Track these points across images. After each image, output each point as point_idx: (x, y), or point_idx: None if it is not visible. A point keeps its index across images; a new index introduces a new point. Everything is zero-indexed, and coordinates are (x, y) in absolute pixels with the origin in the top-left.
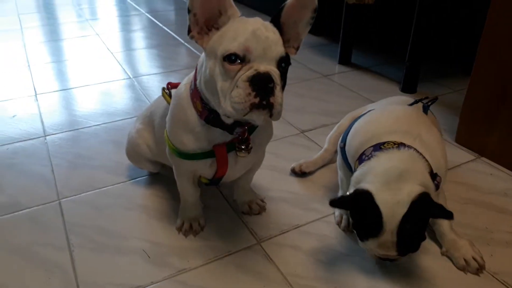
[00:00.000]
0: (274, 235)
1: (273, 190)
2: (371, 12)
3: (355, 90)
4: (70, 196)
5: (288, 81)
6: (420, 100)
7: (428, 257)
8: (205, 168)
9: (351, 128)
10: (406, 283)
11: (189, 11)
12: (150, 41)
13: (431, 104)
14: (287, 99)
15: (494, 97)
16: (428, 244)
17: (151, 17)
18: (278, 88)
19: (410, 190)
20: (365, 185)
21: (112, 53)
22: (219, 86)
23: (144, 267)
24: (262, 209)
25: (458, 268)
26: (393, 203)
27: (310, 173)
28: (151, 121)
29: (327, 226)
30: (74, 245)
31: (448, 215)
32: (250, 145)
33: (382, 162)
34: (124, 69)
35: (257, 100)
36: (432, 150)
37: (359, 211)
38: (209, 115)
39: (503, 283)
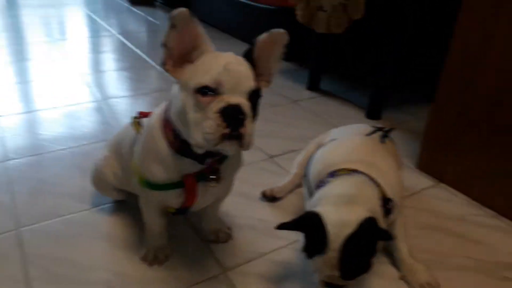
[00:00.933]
0: (240, 263)
1: (241, 217)
2: (339, 40)
3: (323, 116)
4: (30, 225)
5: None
6: (377, 130)
7: (386, 282)
8: (174, 198)
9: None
10: None
11: (164, 45)
12: (121, 63)
13: (387, 134)
14: (257, 124)
15: (454, 125)
16: (387, 268)
17: (122, 38)
18: (248, 120)
19: (358, 214)
20: (317, 208)
21: (80, 74)
22: (191, 117)
23: None
24: (229, 237)
25: None
26: (339, 224)
27: (280, 198)
28: (119, 149)
29: (293, 252)
30: (33, 278)
31: (389, 237)
32: (220, 175)
33: (334, 187)
34: (92, 92)
35: (227, 130)
36: (385, 177)
37: (308, 231)
38: (181, 146)
39: None
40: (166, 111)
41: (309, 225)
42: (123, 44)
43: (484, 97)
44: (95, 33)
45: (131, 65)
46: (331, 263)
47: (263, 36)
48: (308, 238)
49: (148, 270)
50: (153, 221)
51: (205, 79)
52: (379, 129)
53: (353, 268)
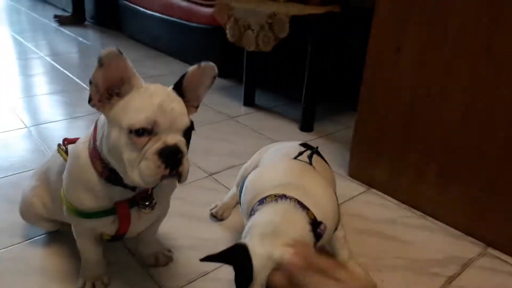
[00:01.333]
0: (181, 285)
1: (182, 238)
2: (269, 58)
3: (259, 131)
4: None
5: (196, 124)
6: (303, 152)
7: None
8: (107, 226)
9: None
10: None
11: (90, 83)
12: (51, 86)
13: (313, 153)
14: (195, 142)
15: (376, 132)
16: None
17: (51, 61)
18: (185, 157)
19: (282, 246)
20: (244, 240)
21: (7, 100)
22: (126, 157)
23: None
24: (169, 259)
25: None
26: (264, 257)
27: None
28: (47, 178)
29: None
30: None
31: None
32: (154, 201)
33: (261, 216)
34: (21, 118)
35: (167, 172)
36: (316, 198)
37: (234, 264)
38: (110, 175)
39: None
40: (93, 140)
41: (235, 258)
42: (53, 66)
43: (398, 105)
44: (22, 55)
45: (63, 88)
46: None
47: (192, 68)
48: (235, 271)
49: None
50: (88, 250)
51: (140, 121)
52: (305, 149)
53: None
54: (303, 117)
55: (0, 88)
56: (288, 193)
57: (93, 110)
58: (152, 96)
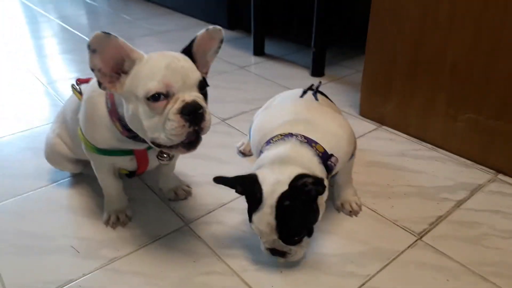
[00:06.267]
0: (201, 215)
1: (197, 175)
2: (277, 4)
3: (270, 78)
4: None
5: (207, 75)
6: (307, 90)
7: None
8: (125, 163)
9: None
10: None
11: (92, 70)
12: (63, 47)
13: (317, 88)
14: (208, 90)
15: (385, 72)
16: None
17: (61, 22)
18: (207, 111)
19: (291, 172)
20: (254, 171)
21: (23, 62)
22: (147, 124)
23: (74, 262)
24: (188, 194)
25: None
26: (273, 182)
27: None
28: (64, 117)
29: None
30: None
31: (320, 189)
32: (171, 154)
33: (269, 153)
34: (36, 77)
35: (191, 129)
36: (324, 130)
37: (244, 188)
38: (131, 134)
39: (402, 228)
40: (112, 103)
41: (245, 183)
42: (64, 28)
43: (406, 37)
44: (32, 19)
45: (75, 48)
46: (267, 222)
47: (201, 33)
48: (247, 196)
49: (112, 232)
50: (109, 184)
51: (153, 86)
52: (309, 88)
53: (290, 228)
54: (314, 61)
55: (16, 50)
56: (294, 131)
57: None
58: (159, 60)
